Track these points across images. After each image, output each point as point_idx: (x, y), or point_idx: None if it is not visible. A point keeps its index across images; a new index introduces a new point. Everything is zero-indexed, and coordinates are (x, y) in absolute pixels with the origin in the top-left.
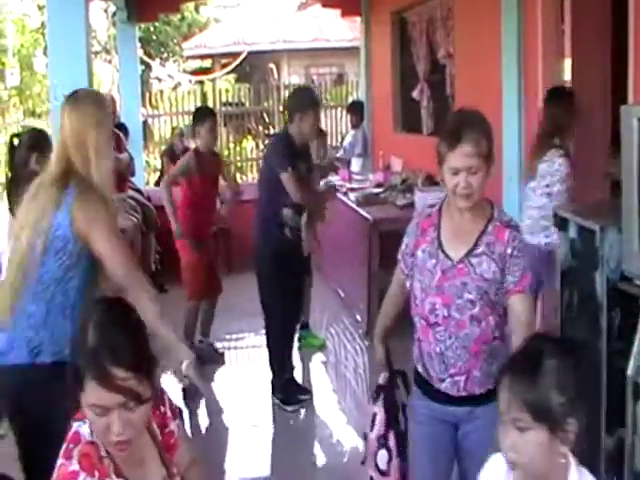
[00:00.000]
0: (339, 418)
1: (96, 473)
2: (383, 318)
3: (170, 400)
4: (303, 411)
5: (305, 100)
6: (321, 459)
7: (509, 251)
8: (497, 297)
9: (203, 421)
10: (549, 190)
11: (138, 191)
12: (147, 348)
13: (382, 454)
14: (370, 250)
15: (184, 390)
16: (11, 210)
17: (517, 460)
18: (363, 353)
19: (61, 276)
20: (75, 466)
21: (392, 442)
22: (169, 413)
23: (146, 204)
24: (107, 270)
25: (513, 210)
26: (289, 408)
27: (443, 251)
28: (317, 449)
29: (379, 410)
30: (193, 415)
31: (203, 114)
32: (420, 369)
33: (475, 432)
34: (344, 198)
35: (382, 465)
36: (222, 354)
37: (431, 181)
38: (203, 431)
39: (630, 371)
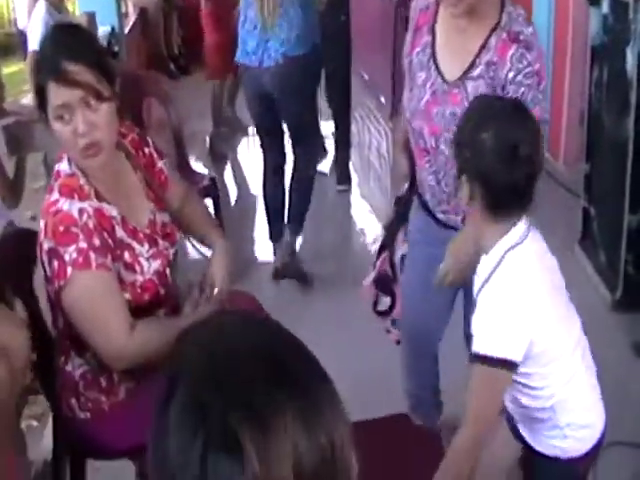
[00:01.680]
0: (363, 201)
1: (75, 196)
2: (402, 126)
3: (154, 142)
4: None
5: None
6: (343, 240)
7: (510, 75)
8: None
9: (231, 190)
10: None
11: None
12: (103, 50)
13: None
14: (395, 31)
15: (212, 153)
16: None
17: None
18: (387, 136)
19: None
20: (56, 195)
21: (384, 263)
22: (155, 154)
23: None
24: None
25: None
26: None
27: (436, 65)
28: (338, 230)
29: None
30: (221, 184)
31: None
32: (420, 191)
33: None
34: None
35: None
36: (247, 126)
37: None
38: (232, 202)
39: None
